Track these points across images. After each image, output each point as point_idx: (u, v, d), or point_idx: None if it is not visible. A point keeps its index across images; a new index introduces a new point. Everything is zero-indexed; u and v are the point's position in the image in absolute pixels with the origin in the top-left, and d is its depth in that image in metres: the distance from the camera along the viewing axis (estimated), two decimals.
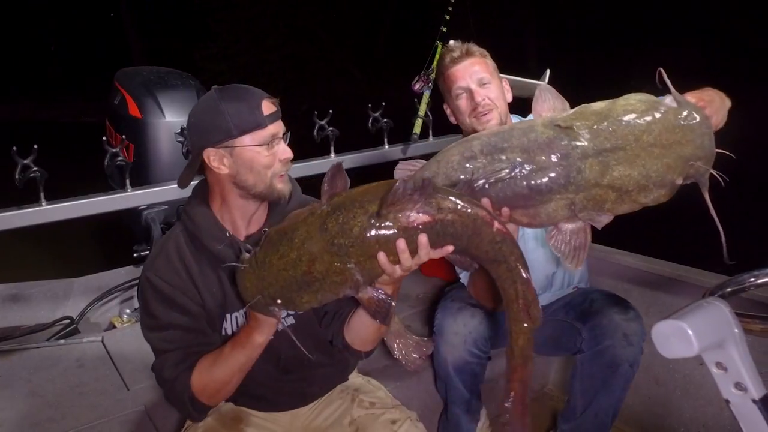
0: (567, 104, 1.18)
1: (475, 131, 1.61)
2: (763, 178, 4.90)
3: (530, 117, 1.71)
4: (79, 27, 17.29)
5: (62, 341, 2.15)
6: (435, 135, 2.57)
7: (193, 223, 1.31)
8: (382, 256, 1.06)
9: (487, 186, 1.12)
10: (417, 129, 2.34)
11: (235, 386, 1.30)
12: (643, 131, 1.06)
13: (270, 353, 1.30)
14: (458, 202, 1.09)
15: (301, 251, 1.08)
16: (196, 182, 1.38)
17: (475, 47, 1.71)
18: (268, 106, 1.24)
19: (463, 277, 1.80)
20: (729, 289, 1.06)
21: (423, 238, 1.05)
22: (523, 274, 1.12)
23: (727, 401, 0.82)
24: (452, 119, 1.78)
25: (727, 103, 1.25)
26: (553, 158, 1.09)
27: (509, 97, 1.77)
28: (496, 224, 1.10)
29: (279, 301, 1.11)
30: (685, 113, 1.07)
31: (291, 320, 1.37)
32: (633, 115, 1.08)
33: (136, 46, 15.69)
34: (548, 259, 1.80)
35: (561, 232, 1.14)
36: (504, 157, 1.12)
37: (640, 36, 9.51)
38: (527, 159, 1.11)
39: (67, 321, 2.31)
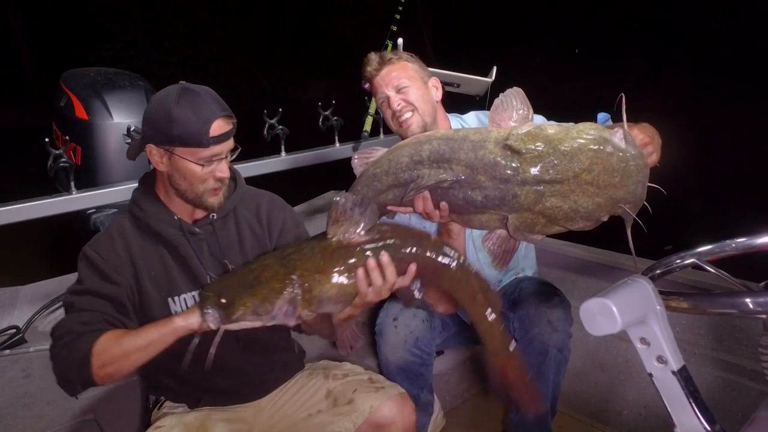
0: (530, 111, 1.21)
1: (401, 136, 1.64)
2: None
3: (482, 119, 1.77)
4: None
5: (7, 352, 2.08)
6: (386, 133, 2.60)
7: (141, 209, 1.34)
8: (360, 272, 1.16)
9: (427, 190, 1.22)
10: (367, 126, 2.37)
11: (132, 367, 1.21)
12: (584, 170, 1.09)
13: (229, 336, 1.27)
14: (395, 225, 1.24)
15: (260, 263, 1.22)
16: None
17: (391, 54, 1.68)
18: (219, 126, 1.25)
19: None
20: (658, 271, 1.12)
21: (385, 258, 1.16)
22: (473, 268, 1.21)
23: (651, 375, 0.87)
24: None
25: (660, 140, 1.31)
26: (493, 180, 1.15)
27: (438, 95, 1.72)
28: (433, 236, 1.22)
29: (223, 300, 1.17)
30: (629, 158, 1.09)
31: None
32: (580, 151, 1.10)
33: (25, 49, 14.58)
34: None
35: (494, 235, 1.23)
36: (449, 168, 1.19)
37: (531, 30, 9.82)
38: (469, 176, 1.17)
39: (13, 330, 2.23)
